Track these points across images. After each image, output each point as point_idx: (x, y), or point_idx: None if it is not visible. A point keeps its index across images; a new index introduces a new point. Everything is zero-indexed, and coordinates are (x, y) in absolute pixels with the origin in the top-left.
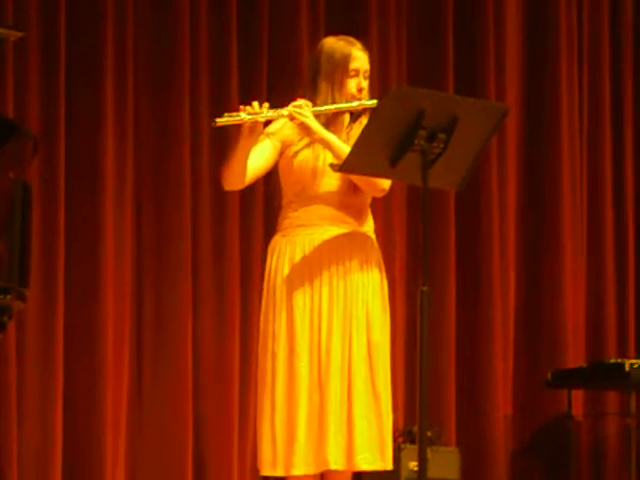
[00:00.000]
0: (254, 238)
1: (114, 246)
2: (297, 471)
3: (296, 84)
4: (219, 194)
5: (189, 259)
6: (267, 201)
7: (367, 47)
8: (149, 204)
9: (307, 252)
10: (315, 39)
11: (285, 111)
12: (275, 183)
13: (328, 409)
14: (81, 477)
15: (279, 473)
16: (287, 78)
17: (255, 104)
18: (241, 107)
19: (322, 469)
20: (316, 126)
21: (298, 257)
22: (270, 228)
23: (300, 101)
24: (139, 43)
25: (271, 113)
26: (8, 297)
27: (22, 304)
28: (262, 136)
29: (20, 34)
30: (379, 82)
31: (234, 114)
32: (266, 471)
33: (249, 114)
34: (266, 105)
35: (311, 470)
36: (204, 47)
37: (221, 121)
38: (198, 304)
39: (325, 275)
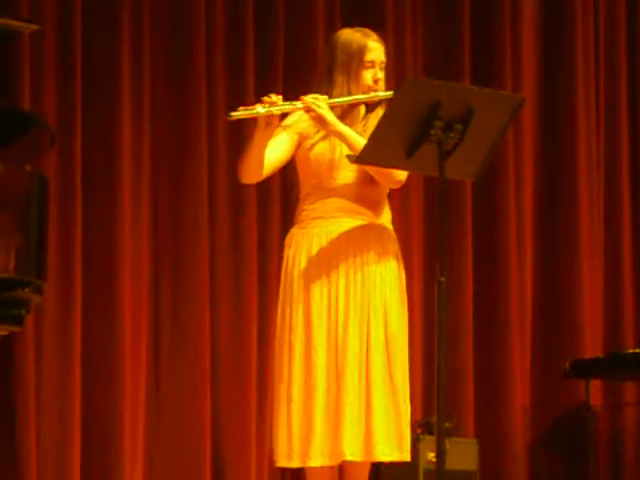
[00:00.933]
0: (271, 230)
1: (131, 238)
2: (314, 462)
3: (312, 78)
4: (236, 186)
5: (206, 251)
6: (284, 193)
7: (383, 39)
8: (166, 197)
9: (324, 244)
10: (331, 32)
11: (300, 103)
12: (293, 176)
13: (345, 400)
14: (100, 468)
15: (295, 465)
16: (303, 72)
17: (271, 96)
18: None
19: (338, 460)
20: (331, 118)
21: (315, 249)
22: (287, 220)
23: (315, 94)
24: (156, 37)
25: (286, 106)
26: (26, 290)
27: (40, 297)
28: (279, 129)
29: (36, 27)
30: (395, 74)
31: (249, 107)
32: (282, 462)
33: (264, 107)
34: (280, 97)
35: (327, 461)
36: (220, 41)
37: (236, 114)
38: (216, 296)
39: (342, 267)
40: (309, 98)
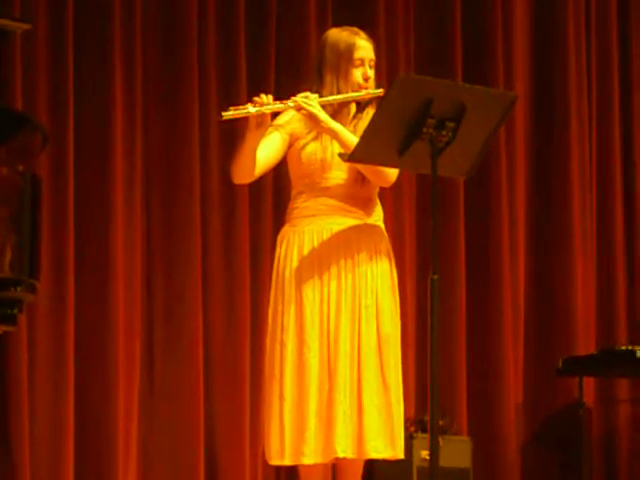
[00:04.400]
0: (263, 229)
1: (124, 238)
2: (307, 460)
3: (304, 77)
4: (228, 185)
5: (199, 251)
6: (276, 192)
7: (375, 37)
8: (158, 197)
9: (316, 243)
10: (323, 31)
11: (291, 102)
12: (286, 175)
13: (337, 398)
14: (93, 469)
15: (287, 462)
16: (295, 71)
17: (262, 96)
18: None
19: (330, 458)
20: (323, 116)
21: (307, 248)
22: (279, 219)
23: (305, 93)
24: (147, 36)
25: (277, 105)
26: (19, 289)
27: (33, 296)
28: (270, 128)
29: (28, 26)
30: (387, 72)
31: (240, 107)
32: (274, 460)
33: (255, 107)
34: (271, 97)
35: (320, 459)
36: (212, 41)
37: (227, 114)
38: (208, 295)
39: (334, 268)
40: (300, 97)
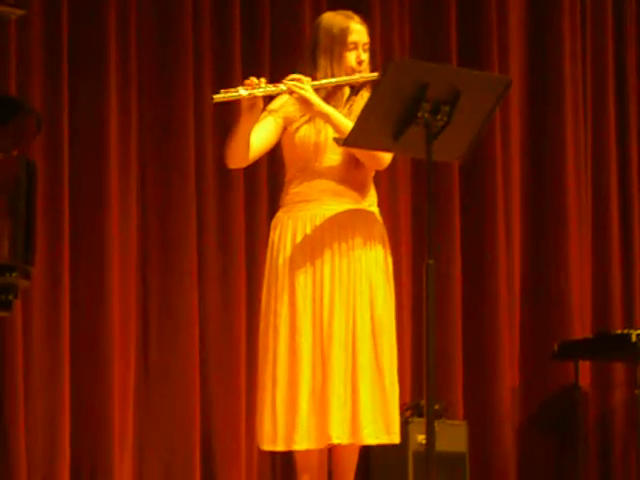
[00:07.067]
0: (259, 215)
1: (119, 223)
2: (298, 446)
3: (299, 61)
4: (223, 170)
5: (194, 236)
6: (271, 177)
7: (370, 21)
8: (153, 183)
9: (309, 229)
10: (317, 14)
11: (284, 85)
12: (280, 160)
13: (331, 384)
14: (89, 455)
15: (279, 448)
16: (290, 55)
17: (252, 79)
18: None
19: (324, 444)
20: (315, 99)
21: (300, 233)
22: (274, 203)
23: (298, 75)
24: (142, 20)
25: (269, 88)
26: (14, 275)
27: (27, 282)
28: (264, 113)
29: (22, 12)
30: (382, 56)
31: (231, 90)
32: (267, 446)
33: (246, 89)
34: (263, 80)
35: (313, 445)
36: (207, 24)
37: (218, 97)
38: (204, 281)
39: (327, 253)
40: (292, 80)
